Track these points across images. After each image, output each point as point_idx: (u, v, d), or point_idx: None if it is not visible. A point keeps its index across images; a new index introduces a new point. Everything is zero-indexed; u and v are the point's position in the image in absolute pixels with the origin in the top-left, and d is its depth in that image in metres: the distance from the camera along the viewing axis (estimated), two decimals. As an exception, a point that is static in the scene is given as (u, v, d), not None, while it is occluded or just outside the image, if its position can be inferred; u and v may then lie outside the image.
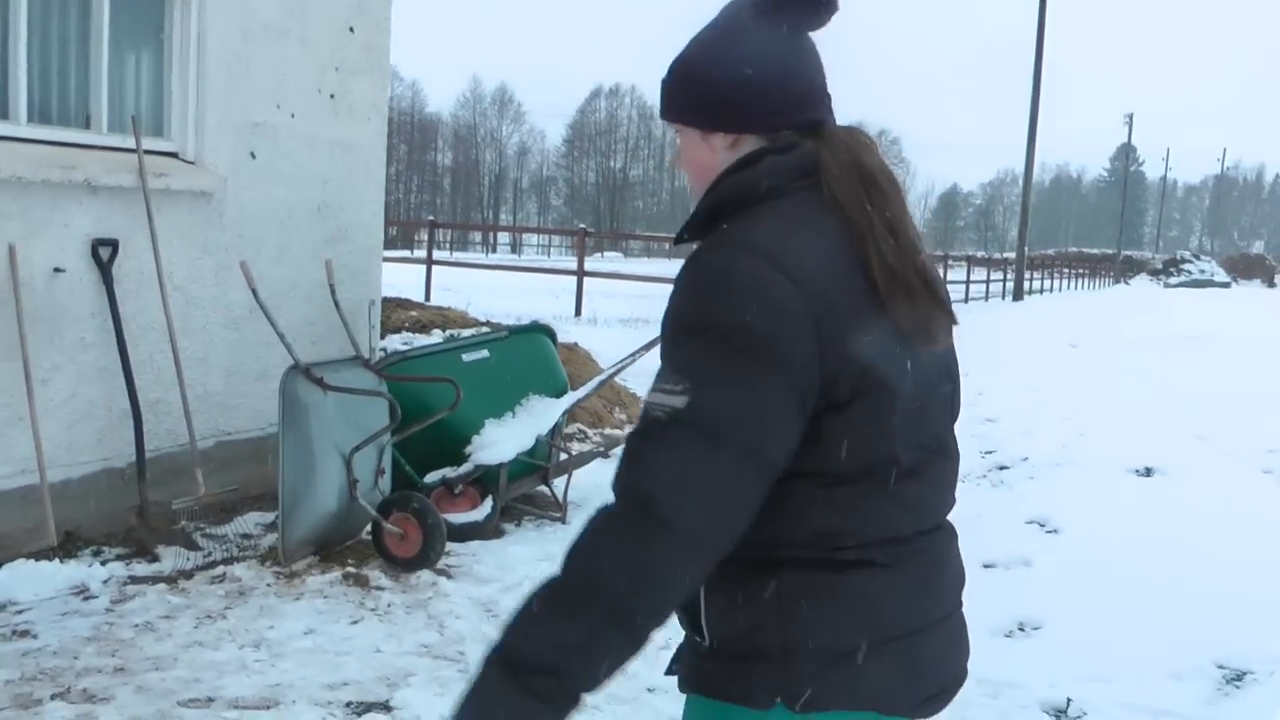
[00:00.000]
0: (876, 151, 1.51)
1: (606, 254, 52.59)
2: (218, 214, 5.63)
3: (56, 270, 4.87)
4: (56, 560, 4.79)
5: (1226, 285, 57.11)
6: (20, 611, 4.39)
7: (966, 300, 28.55)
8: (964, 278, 29.95)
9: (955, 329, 1.53)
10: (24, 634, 4.18)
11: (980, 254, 55.14)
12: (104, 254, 5.07)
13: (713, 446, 1.32)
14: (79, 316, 5.01)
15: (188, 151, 5.52)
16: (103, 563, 4.92)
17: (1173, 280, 57.54)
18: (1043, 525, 6.46)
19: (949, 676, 1.55)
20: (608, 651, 1.35)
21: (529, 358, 6.23)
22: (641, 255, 63.69)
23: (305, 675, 3.96)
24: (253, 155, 5.79)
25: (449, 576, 5.06)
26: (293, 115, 5.98)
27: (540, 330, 6.50)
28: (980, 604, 4.94)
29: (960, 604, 1.60)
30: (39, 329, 4.80)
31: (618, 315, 16.21)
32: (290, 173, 6.02)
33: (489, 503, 5.71)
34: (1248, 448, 8.98)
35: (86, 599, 4.55)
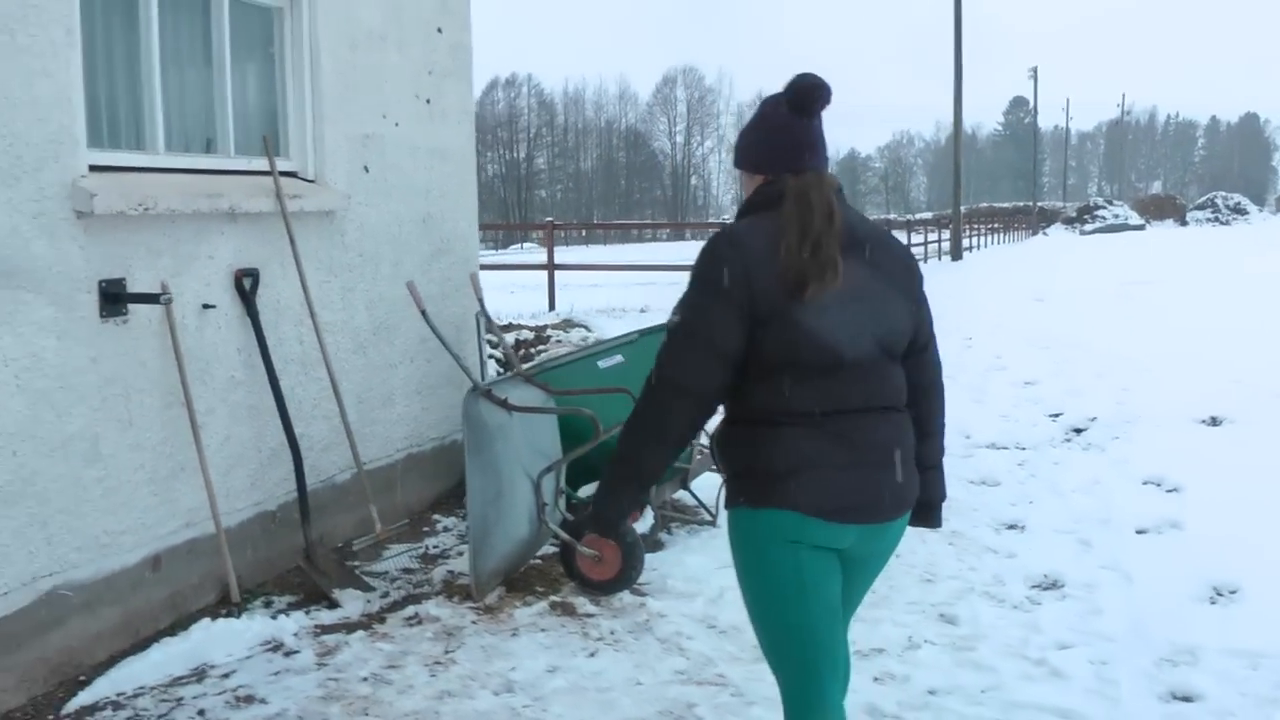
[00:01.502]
0: (822, 186, 2.56)
1: (524, 245, 51.80)
2: (340, 234, 5.31)
3: (205, 306, 4.52)
4: (234, 616, 4.46)
5: (1141, 228, 58.83)
6: (226, 675, 4.07)
7: (908, 265, 28.81)
8: (904, 242, 30.20)
9: (885, 280, 2.55)
10: (249, 699, 3.88)
11: (893, 216, 55.82)
12: (246, 285, 4.73)
13: (689, 341, 2.48)
14: (227, 354, 4.66)
15: (308, 170, 5.18)
16: (279, 614, 4.60)
17: (1088, 227, 59.01)
18: (1159, 485, 6.47)
19: (855, 500, 2.46)
20: (652, 452, 2.55)
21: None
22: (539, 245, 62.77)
23: (590, 718, 3.73)
24: (366, 169, 5.47)
25: (648, 595, 4.85)
26: (396, 124, 5.67)
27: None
28: (1162, 571, 4.90)
29: (877, 461, 2.49)
30: (192, 370, 4.45)
31: (597, 307, 15.86)
32: (399, 185, 5.72)
33: (649, 513, 5.49)
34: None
35: (288, 655, 4.24)
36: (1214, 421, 8.03)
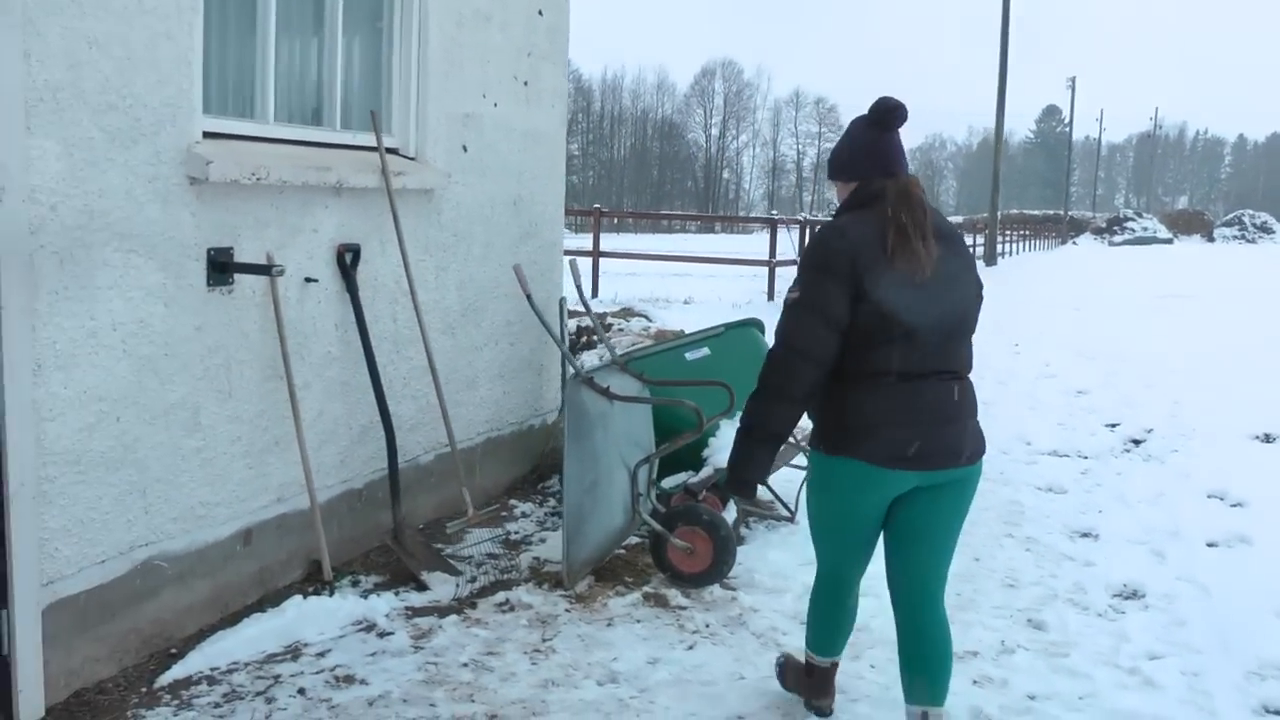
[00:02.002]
0: (917, 186, 3.17)
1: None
2: (436, 212, 5.23)
3: (308, 280, 4.45)
4: (326, 594, 4.39)
5: (1169, 241, 58.28)
6: (321, 654, 4.00)
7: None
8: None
9: (960, 267, 3.17)
10: (349, 679, 3.81)
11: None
12: (347, 260, 4.66)
13: (808, 313, 3.06)
14: (325, 329, 4.59)
15: (409, 147, 5.10)
16: (368, 594, 4.53)
17: (1117, 239, 58.49)
18: (1223, 499, 6.35)
19: (913, 450, 3.05)
20: (782, 412, 3.17)
21: (745, 353, 5.91)
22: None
23: (697, 711, 3.65)
24: (464, 148, 5.39)
25: (738, 590, 4.75)
26: (495, 105, 5.59)
27: (752, 324, 6.18)
28: (1237, 585, 4.75)
29: (938, 421, 3.07)
30: (291, 344, 4.37)
31: (640, 295, 15.73)
32: (494, 165, 5.63)
33: (732, 507, 5.39)
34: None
35: (381, 636, 4.16)
36: (1268, 439, 7.90)
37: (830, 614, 3.52)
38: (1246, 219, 69.32)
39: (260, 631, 4.05)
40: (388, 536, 4.75)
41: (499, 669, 3.91)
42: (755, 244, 30.88)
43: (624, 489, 4.66)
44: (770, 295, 17.52)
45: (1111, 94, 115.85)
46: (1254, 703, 3.80)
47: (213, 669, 3.84)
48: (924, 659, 3.26)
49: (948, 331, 3.09)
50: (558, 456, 6.36)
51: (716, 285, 18.55)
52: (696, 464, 5.43)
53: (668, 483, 5.44)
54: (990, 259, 31.63)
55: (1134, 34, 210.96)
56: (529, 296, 4.62)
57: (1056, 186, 75.84)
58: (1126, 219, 64.74)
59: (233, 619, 4.20)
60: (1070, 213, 71.44)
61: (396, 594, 4.55)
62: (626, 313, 10.81)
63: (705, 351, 5.72)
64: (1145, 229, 61.39)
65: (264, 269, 4.02)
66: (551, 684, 3.81)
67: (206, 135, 3.97)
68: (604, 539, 4.67)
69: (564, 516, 4.54)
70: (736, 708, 3.69)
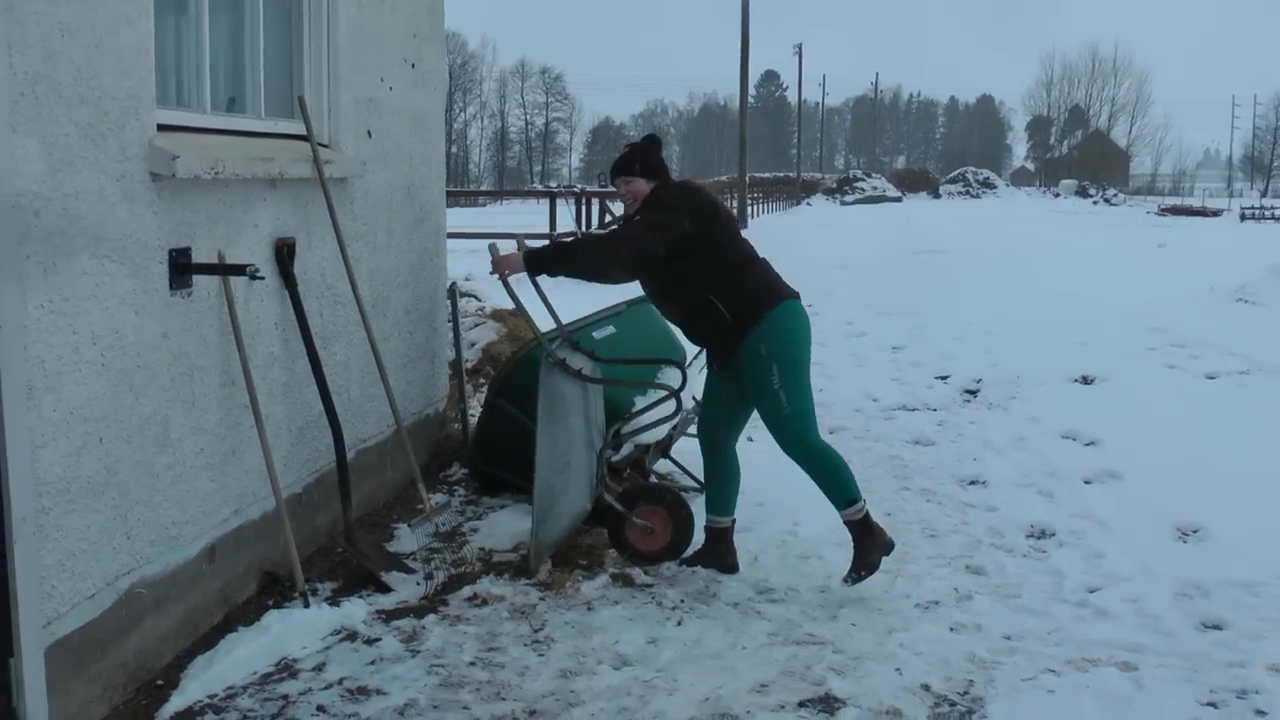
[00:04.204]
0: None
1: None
2: (349, 201, 5.03)
3: (253, 278, 4.20)
4: (301, 605, 4.21)
5: (899, 199, 62.32)
6: (318, 668, 3.86)
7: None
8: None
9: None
10: (363, 691, 3.70)
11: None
12: (284, 255, 4.43)
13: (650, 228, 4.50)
14: (267, 329, 4.36)
15: (322, 134, 4.87)
16: (327, 601, 4.37)
17: (849, 198, 61.93)
18: (1075, 439, 7.04)
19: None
20: (573, 267, 4.57)
21: (649, 329, 6.02)
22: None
23: (722, 684, 3.77)
24: (369, 134, 5.20)
25: (686, 565, 4.88)
26: (391, 89, 5.41)
27: (649, 299, 6.26)
28: (1127, 516, 5.35)
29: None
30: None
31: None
32: (392, 151, 5.46)
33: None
34: (1143, 348, 10.06)
35: (369, 643, 4.05)
36: (1086, 380, 8.77)
37: (842, 460, 4.63)
38: (970, 175, 74.99)
39: (249, 652, 3.85)
40: (341, 539, 4.58)
41: (509, 664, 3.90)
42: (512, 218, 30.82)
43: (588, 471, 4.70)
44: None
45: (831, 60, 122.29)
46: (1194, 620, 4.31)
47: (211, 696, 3.63)
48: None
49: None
50: (453, 445, 6.30)
51: (476, 259, 18.48)
52: (616, 443, 5.50)
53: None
54: (742, 221, 32.88)
55: (854, 5, 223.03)
56: (504, 280, 4.56)
57: (779, 150, 79.47)
58: (856, 179, 68.59)
59: (204, 641, 3.97)
60: (803, 174, 75.12)
61: (362, 598, 4.42)
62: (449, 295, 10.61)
63: (611, 330, 5.78)
64: (875, 188, 65.18)
65: (239, 269, 3.78)
66: (570, 673, 3.84)
67: (161, 128, 3.69)
68: (570, 523, 4.70)
69: (535, 500, 4.52)
70: (755, 676, 3.84)
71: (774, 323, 4.48)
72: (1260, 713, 3.58)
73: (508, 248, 4.69)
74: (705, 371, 4.88)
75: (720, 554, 4.80)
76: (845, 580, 4.56)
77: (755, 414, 4.75)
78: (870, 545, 4.55)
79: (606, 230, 4.49)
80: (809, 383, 4.59)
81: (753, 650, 4.05)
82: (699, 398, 5.22)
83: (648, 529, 4.78)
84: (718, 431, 4.81)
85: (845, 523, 4.61)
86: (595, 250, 4.60)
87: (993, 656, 3.99)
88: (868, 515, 4.60)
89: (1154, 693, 3.68)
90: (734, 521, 4.85)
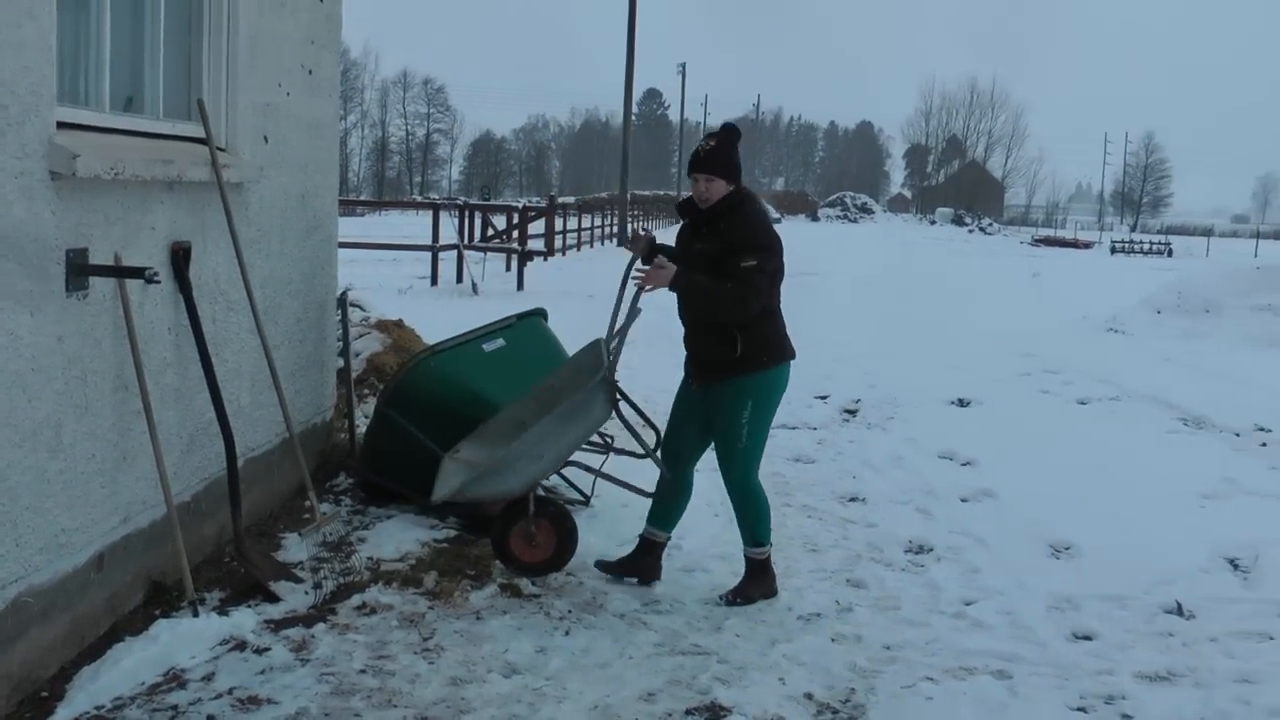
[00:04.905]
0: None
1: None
2: (245, 206, 4.99)
3: (149, 281, 4.16)
4: (190, 615, 4.17)
5: (778, 220, 63.39)
6: (207, 678, 3.83)
7: (579, 247, 29.68)
8: (562, 227, 31.04)
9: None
10: (254, 701, 3.70)
11: (538, 200, 56.65)
12: (180, 259, 4.39)
13: (768, 279, 4.61)
14: (160, 334, 4.31)
15: (220, 138, 4.83)
16: (214, 610, 4.33)
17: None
18: (952, 459, 7.37)
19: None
20: (702, 303, 4.61)
21: (538, 343, 6.10)
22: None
23: (610, 693, 3.87)
24: (266, 139, 5.17)
25: (574, 572, 4.99)
26: (289, 94, 5.39)
27: (538, 314, 6.35)
28: (1001, 533, 5.68)
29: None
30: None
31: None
32: (288, 158, 5.44)
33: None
34: (1017, 373, 10.53)
35: (259, 652, 4.04)
36: (962, 403, 9.17)
37: (767, 504, 4.89)
38: (848, 200, 76.55)
39: (137, 662, 3.81)
40: (230, 547, 4.55)
41: (399, 672, 3.94)
42: (391, 229, 30.46)
43: (538, 475, 4.78)
44: (434, 280, 17.48)
45: (713, 80, 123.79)
46: (1065, 631, 4.57)
47: (98, 708, 3.58)
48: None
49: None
50: (340, 454, 6.27)
51: (384, 269, 18.35)
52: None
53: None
54: (623, 239, 33.10)
55: (736, 27, 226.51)
56: (642, 291, 4.76)
57: (659, 167, 80.00)
58: (736, 199, 69.39)
59: (91, 652, 3.91)
60: (677, 193, 75.76)
61: (251, 607, 4.39)
62: (338, 305, 10.48)
63: (501, 342, 5.85)
64: (753, 209, 66.06)
65: (138, 272, 3.75)
66: (460, 681, 3.90)
67: (61, 125, 3.64)
68: (491, 492, 4.80)
69: (495, 455, 4.67)
70: (643, 684, 3.96)
71: (771, 376, 4.71)
72: (1126, 716, 3.84)
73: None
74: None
75: (649, 566, 4.98)
76: (720, 598, 4.77)
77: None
78: (758, 584, 4.81)
79: (746, 278, 4.50)
80: (768, 431, 4.83)
81: (639, 660, 4.17)
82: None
83: (531, 538, 4.87)
84: (684, 448, 4.94)
85: (747, 558, 4.84)
86: (727, 298, 4.52)
87: (873, 666, 4.19)
88: (769, 559, 4.86)
89: (1027, 699, 3.92)
90: (668, 539, 5.05)
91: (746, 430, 4.70)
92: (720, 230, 4.64)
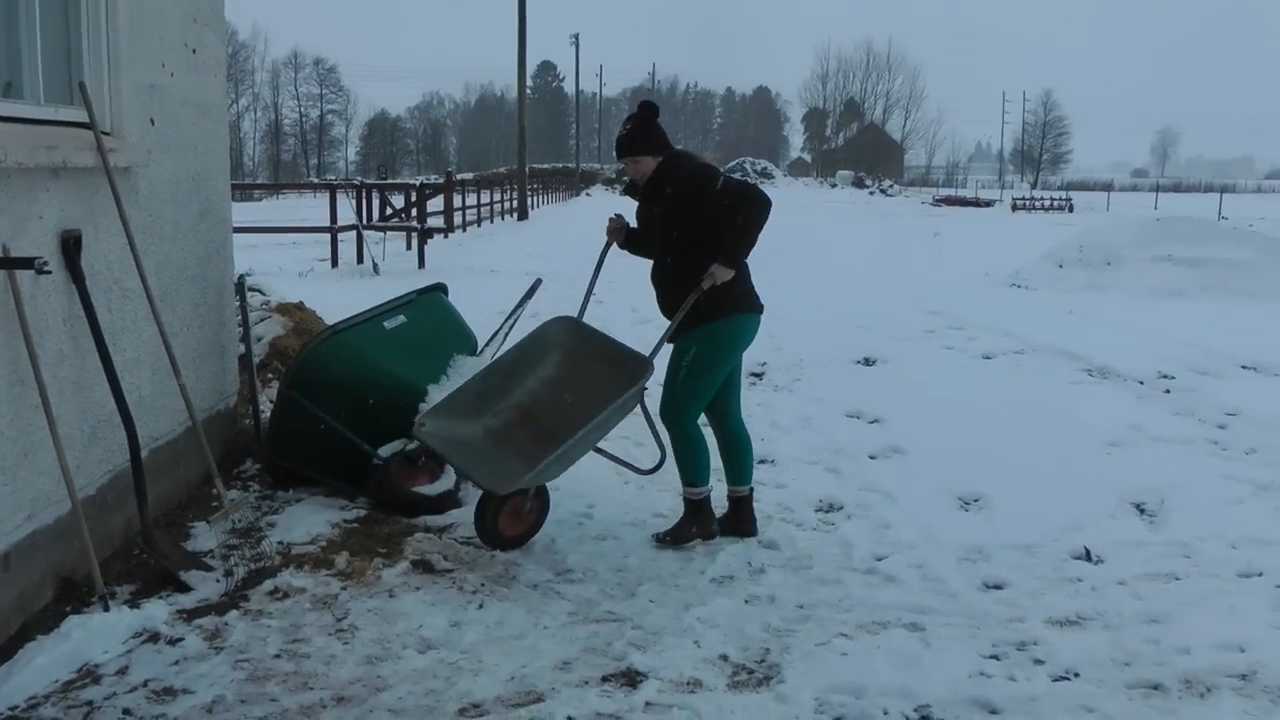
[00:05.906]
0: None
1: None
2: (134, 191, 4.90)
3: (40, 272, 4.07)
4: (101, 609, 4.11)
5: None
6: (121, 671, 3.80)
7: (479, 223, 29.46)
8: (461, 204, 30.79)
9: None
10: (169, 692, 3.68)
11: (435, 178, 56.22)
12: (70, 248, 4.30)
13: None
14: (55, 325, 4.22)
15: (104, 121, 4.72)
16: (126, 603, 4.29)
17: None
18: (859, 417, 7.55)
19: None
20: (753, 231, 4.83)
21: (440, 318, 6.09)
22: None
23: (526, 663, 3.90)
24: (152, 122, 5.07)
25: (480, 547, 5.01)
26: (172, 75, 5.28)
27: (439, 289, 6.33)
28: (911, 487, 5.89)
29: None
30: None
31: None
32: (176, 140, 5.34)
33: (450, 471, 5.60)
34: (922, 330, 10.77)
35: (172, 643, 4.00)
36: (868, 362, 9.38)
37: (704, 447, 5.08)
38: (749, 165, 76.72)
39: (50, 660, 3.75)
40: (138, 539, 4.49)
41: (314, 654, 3.94)
42: (290, 212, 29.86)
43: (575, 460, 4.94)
44: (334, 262, 17.26)
45: (608, 51, 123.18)
46: (976, 582, 4.73)
47: (12, 708, 3.53)
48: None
49: None
50: (245, 440, 6.21)
51: (283, 253, 18.02)
52: (409, 430, 5.55)
53: (386, 450, 5.51)
54: (523, 214, 32.95)
55: None
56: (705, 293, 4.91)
57: (557, 139, 79.60)
58: (634, 171, 69.33)
59: (1, 653, 3.84)
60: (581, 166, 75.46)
61: (162, 598, 4.35)
62: (237, 289, 10.29)
63: (402, 319, 5.84)
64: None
65: (26, 263, 3.67)
66: (375, 659, 3.92)
67: (-63, 115, 3.54)
68: (451, 437, 4.92)
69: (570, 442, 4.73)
70: (558, 654, 4.00)
71: (723, 326, 4.94)
72: (1038, 661, 3.98)
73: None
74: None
75: (743, 519, 5.26)
76: (653, 536, 5.07)
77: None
78: (694, 523, 5.08)
79: (736, 198, 4.80)
80: (714, 383, 5.04)
81: (554, 629, 4.22)
82: None
83: (522, 513, 4.98)
84: (719, 402, 5.17)
85: (684, 498, 5.13)
86: (756, 221, 4.80)
87: (787, 625, 4.28)
88: (707, 500, 5.09)
89: (941, 650, 4.04)
90: (752, 490, 5.34)
91: (685, 373, 4.94)
92: (667, 193, 4.97)
